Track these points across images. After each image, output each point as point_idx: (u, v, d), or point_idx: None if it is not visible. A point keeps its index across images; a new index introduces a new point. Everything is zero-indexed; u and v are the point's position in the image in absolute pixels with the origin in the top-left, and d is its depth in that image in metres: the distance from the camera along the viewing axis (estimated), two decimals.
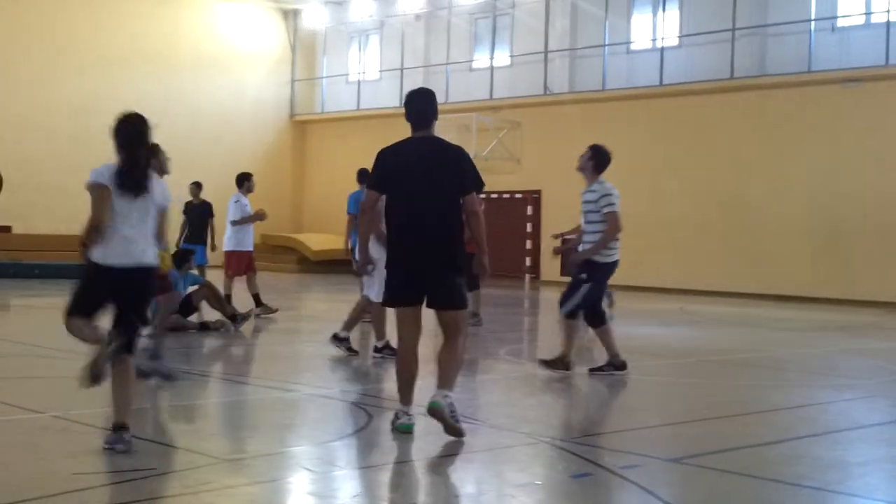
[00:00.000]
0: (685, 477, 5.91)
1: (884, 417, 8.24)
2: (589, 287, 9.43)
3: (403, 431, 6.64)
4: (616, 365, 9.67)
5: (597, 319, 9.69)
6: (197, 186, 17.39)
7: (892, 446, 7.09)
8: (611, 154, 9.56)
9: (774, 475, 5.90)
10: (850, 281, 21.61)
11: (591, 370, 9.77)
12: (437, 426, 6.54)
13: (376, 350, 10.55)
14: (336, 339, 10.69)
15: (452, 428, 6.47)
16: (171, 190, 6.33)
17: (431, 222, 6.61)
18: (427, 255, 6.62)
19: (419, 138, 6.82)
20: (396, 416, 6.76)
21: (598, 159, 9.49)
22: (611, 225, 9.31)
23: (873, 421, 8.05)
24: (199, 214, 16.85)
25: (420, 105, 6.88)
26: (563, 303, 9.62)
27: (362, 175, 13.55)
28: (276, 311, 14.75)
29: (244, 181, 15.00)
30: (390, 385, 8.88)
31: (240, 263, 14.79)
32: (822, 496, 5.50)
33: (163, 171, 7.19)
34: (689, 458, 6.30)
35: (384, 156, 6.86)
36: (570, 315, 9.56)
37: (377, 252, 8.70)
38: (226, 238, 14.92)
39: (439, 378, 6.61)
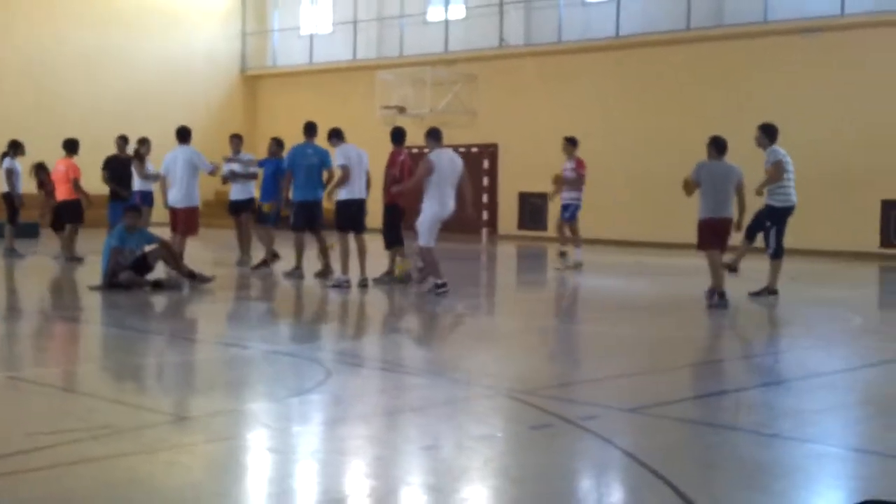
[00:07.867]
0: (643, 426, 5.93)
1: (839, 365, 8.33)
2: (776, 230, 12.42)
3: None
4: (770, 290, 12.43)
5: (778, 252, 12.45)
6: (123, 140, 16.81)
7: (846, 393, 7.16)
8: (776, 126, 12.55)
9: (731, 423, 5.95)
10: (808, 230, 21.72)
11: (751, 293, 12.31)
12: (393, 381, 6.68)
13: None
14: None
15: None
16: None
17: None
18: None
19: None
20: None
21: (766, 134, 12.47)
22: (771, 172, 12.26)
23: (829, 369, 8.14)
24: (123, 169, 16.33)
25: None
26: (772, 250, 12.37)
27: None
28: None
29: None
30: (347, 343, 8.81)
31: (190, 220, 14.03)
32: (778, 442, 5.54)
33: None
34: (648, 408, 6.33)
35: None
36: (777, 255, 12.43)
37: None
38: (182, 194, 13.95)
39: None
